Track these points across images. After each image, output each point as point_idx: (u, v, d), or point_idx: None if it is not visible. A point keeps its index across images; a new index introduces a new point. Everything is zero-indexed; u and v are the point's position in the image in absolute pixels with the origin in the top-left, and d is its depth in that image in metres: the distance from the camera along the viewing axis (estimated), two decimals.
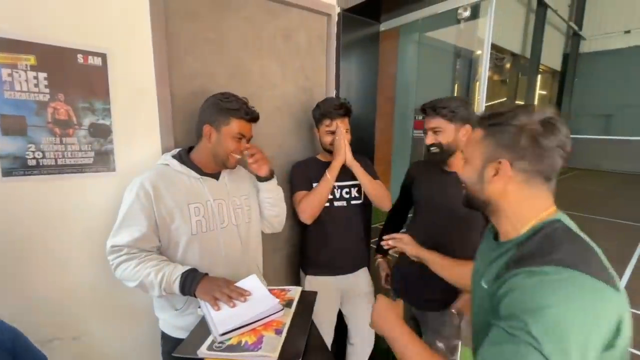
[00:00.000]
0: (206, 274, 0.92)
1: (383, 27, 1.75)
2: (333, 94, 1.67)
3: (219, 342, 0.73)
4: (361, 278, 1.51)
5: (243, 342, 0.73)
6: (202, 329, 0.80)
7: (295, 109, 1.58)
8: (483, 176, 0.64)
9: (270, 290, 0.96)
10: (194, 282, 0.88)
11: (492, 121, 0.63)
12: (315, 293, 0.97)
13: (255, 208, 1.20)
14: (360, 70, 1.76)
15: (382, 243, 1.16)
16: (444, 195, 1.23)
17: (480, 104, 1.39)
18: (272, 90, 1.49)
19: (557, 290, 0.47)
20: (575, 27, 10.65)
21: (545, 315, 0.46)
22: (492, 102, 10.51)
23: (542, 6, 8.99)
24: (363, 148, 1.81)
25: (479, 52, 8.48)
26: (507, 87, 10.16)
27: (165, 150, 1.18)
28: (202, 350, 0.71)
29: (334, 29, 1.61)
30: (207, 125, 1.03)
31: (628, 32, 10.31)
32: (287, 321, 0.81)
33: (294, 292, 0.96)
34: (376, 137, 2.14)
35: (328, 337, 1.46)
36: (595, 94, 11.15)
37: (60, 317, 1.06)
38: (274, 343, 0.72)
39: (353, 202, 1.43)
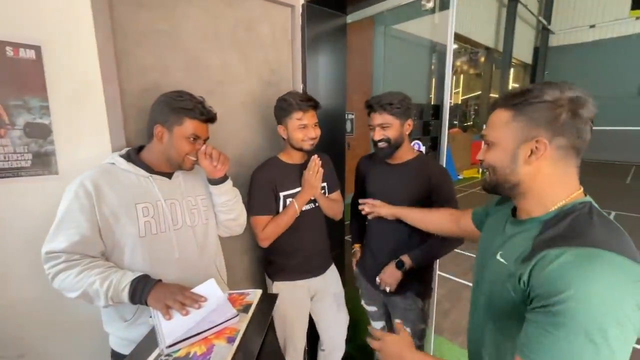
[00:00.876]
0: (159, 281, 0.86)
1: (350, 18, 1.72)
2: (300, 87, 1.62)
3: (166, 355, 0.68)
4: (330, 278, 1.47)
5: (192, 354, 0.68)
6: (150, 340, 0.75)
7: (261, 104, 1.53)
8: (517, 158, 0.62)
9: (229, 295, 0.92)
10: (145, 289, 0.82)
11: (519, 100, 0.61)
12: (275, 296, 0.93)
13: (210, 207, 1.14)
14: (328, 63, 1.72)
15: (360, 208, 1.32)
16: (392, 187, 1.32)
17: (445, 96, 1.38)
18: (235, 85, 1.43)
19: (599, 272, 0.48)
20: (545, 22, 11.03)
21: (588, 296, 0.47)
22: (468, 95, 10.77)
23: (513, 1, 9.22)
24: (333, 143, 1.78)
25: (454, 46, 8.58)
26: (482, 80, 10.41)
27: (115, 150, 1.10)
28: None
29: (299, 21, 1.56)
30: (158, 125, 0.96)
31: (593, 26, 10.77)
32: (242, 328, 0.76)
33: (253, 295, 0.91)
34: (355, 131, 2.11)
35: (300, 343, 1.43)
36: None
37: (1, 334, 0.97)
38: (223, 353, 0.67)
39: (318, 204, 1.38)
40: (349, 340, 1.68)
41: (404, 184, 1.29)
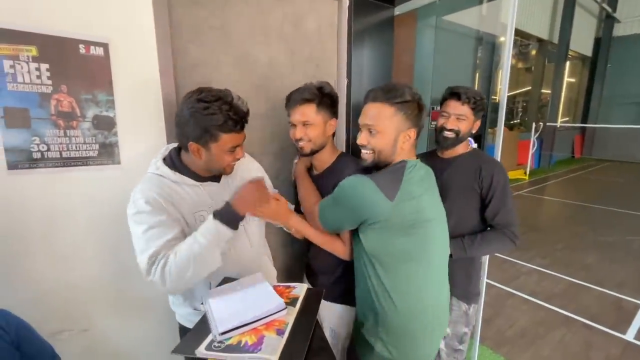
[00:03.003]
0: (227, 203, 0.89)
1: (398, 10, 1.66)
2: (344, 83, 1.60)
3: (219, 342, 0.70)
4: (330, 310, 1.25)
5: (243, 343, 0.69)
6: (202, 326, 0.77)
7: None
8: (396, 143, 0.95)
9: (274, 287, 0.92)
10: (228, 209, 0.87)
11: (398, 99, 0.92)
12: (321, 291, 0.92)
13: None
14: (373, 57, 1.68)
15: None
16: (445, 181, 1.23)
17: (503, 94, 1.29)
18: (280, 80, 1.44)
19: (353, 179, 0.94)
20: (609, 9, 9.98)
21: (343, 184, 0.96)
22: (515, 92, 10.08)
23: None
24: None
25: (502, 38, 8.09)
26: (533, 74, 9.68)
27: (170, 139, 1.15)
28: (201, 350, 0.68)
29: (345, 15, 1.54)
30: (192, 143, 0.88)
31: None
32: (290, 321, 0.76)
33: (300, 289, 0.91)
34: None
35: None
36: (630, 80, 10.44)
37: (67, 310, 1.07)
38: (274, 344, 0.68)
39: None
40: None
41: (454, 175, 1.25)
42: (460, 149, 1.28)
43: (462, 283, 1.26)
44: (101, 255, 1.08)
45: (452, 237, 1.12)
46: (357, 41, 1.58)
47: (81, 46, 0.97)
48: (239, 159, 0.98)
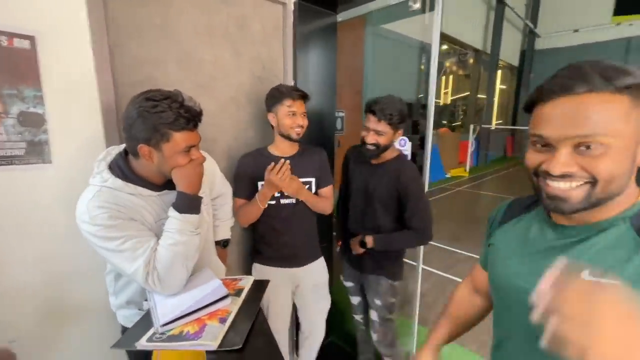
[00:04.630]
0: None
1: (340, 17, 1.76)
2: (291, 84, 1.66)
3: (160, 333, 0.72)
4: (314, 270, 1.52)
5: (185, 332, 0.72)
6: (145, 321, 0.78)
7: (252, 100, 1.56)
8: (635, 159, 0.47)
9: (222, 280, 0.95)
10: (185, 199, 0.87)
11: (633, 80, 0.44)
12: (267, 281, 0.97)
13: (209, 202, 1.17)
14: (318, 61, 1.77)
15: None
16: (371, 187, 1.43)
17: (430, 97, 1.45)
18: (226, 80, 1.46)
19: None
20: (531, 25, 11.29)
21: None
22: (457, 96, 10.97)
23: (501, 4, 9.42)
24: (322, 140, 1.83)
25: (444, 46, 8.72)
26: (470, 81, 10.61)
27: (109, 141, 1.12)
28: (142, 342, 0.69)
29: (290, 18, 1.60)
30: (142, 145, 0.82)
31: (577, 30, 11.08)
32: (234, 310, 0.81)
33: (246, 281, 0.96)
34: (345, 129, 2.17)
35: (284, 325, 1.49)
36: None
37: None
38: (215, 332, 0.71)
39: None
40: (331, 330, 1.74)
41: (378, 184, 1.40)
42: (387, 155, 1.41)
43: (388, 265, 1.48)
44: (31, 260, 1.02)
45: (376, 233, 1.41)
46: (301, 45, 1.65)
47: (3, 38, 0.91)
48: (198, 159, 0.90)
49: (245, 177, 1.38)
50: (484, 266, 0.78)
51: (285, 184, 1.27)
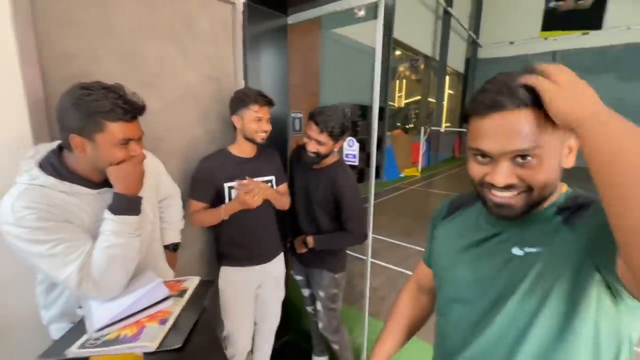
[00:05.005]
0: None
1: (290, 20, 1.79)
2: (242, 84, 1.66)
3: (95, 339, 0.69)
4: (277, 264, 1.57)
5: (122, 336, 0.70)
6: (77, 329, 0.75)
7: (201, 98, 1.53)
8: (560, 163, 0.52)
9: (165, 282, 0.93)
10: (116, 197, 0.83)
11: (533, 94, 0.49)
12: (212, 281, 0.97)
13: (155, 204, 1.14)
14: (269, 62, 1.78)
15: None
16: (309, 191, 1.50)
17: (375, 101, 1.53)
18: (173, 78, 1.42)
19: None
20: (474, 36, 12.24)
21: None
22: (410, 99, 11.56)
23: (447, 14, 10.10)
24: (275, 141, 1.84)
25: (397, 52, 9.12)
26: (422, 85, 11.23)
27: (38, 140, 1.04)
28: (72, 350, 0.66)
29: (240, 18, 1.60)
30: (74, 135, 0.77)
31: (512, 43, 12.24)
32: (176, 311, 0.80)
33: (190, 282, 0.95)
34: (303, 130, 2.21)
35: (247, 328, 1.50)
36: None
37: None
38: (154, 333, 0.71)
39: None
40: (289, 329, 1.76)
41: (317, 188, 1.48)
42: (327, 161, 1.49)
43: (329, 259, 1.57)
44: None
45: (317, 232, 1.51)
46: (252, 45, 1.65)
47: None
48: (137, 157, 0.86)
49: (206, 181, 1.35)
50: (427, 263, 0.80)
51: (257, 203, 1.29)
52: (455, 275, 0.65)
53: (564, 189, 0.59)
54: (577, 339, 0.50)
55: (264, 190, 1.32)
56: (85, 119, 0.76)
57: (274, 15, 1.73)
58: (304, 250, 1.53)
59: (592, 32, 10.62)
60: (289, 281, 1.77)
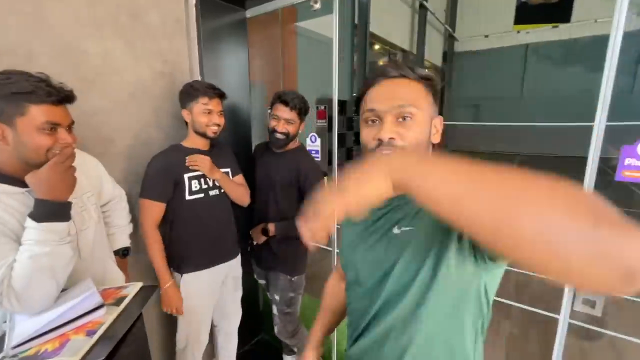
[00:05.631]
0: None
1: (249, 13, 1.74)
2: (199, 80, 1.60)
3: (12, 356, 0.65)
4: (236, 263, 1.54)
5: (42, 351, 0.66)
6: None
7: (153, 95, 1.47)
8: (429, 135, 0.62)
9: (104, 290, 0.89)
10: (45, 207, 0.75)
11: (424, 74, 0.61)
12: (155, 287, 0.93)
13: (96, 204, 1.08)
14: (228, 57, 1.73)
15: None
16: (271, 172, 1.51)
17: (334, 92, 1.51)
18: (120, 75, 1.35)
19: None
20: (450, 30, 12.40)
21: None
22: None
23: (423, 8, 10.17)
24: (238, 136, 1.80)
25: (376, 46, 9.11)
26: None
27: None
28: None
29: (193, 12, 1.54)
30: None
31: (487, 36, 12.48)
32: (109, 321, 0.76)
33: (131, 288, 0.90)
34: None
35: (205, 334, 1.47)
36: (466, 88, 13.34)
37: None
38: (78, 346, 0.66)
39: (223, 189, 1.42)
40: (261, 327, 1.73)
41: (280, 170, 1.48)
42: (289, 145, 1.50)
43: (287, 261, 1.56)
44: None
45: (278, 221, 1.47)
46: (208, 40, 1.59)
47: None
48: (68, 147, 0.81)
49: (163, 177, 1.28)
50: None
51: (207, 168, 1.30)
52: (355, 259, 0.69)
53: None
54: (441, 301, 0.56)
55: (207, 162, 1.31)
56: (3, 103, 0.72)
57: (230, 8, 1.67)
58: (263, 239, 1.50)
59: (561, 25, 10.96)
60: (250, 282, 1.75)
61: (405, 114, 0.59)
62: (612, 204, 0.30)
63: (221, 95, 1.34)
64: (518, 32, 11.74)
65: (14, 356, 0.65)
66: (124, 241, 1.26)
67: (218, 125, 1.33)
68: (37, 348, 0.67)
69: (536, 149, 11.31)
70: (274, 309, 1.64)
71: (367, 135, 0.63)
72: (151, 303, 1.48)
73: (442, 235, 0.54)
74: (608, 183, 1.52)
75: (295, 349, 1.72)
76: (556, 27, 11.09)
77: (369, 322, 0.64)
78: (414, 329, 0.58)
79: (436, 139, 0.64)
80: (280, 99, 1.41)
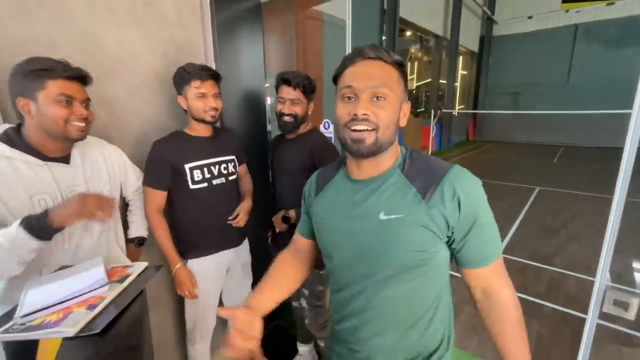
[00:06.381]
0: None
1: None
2: (213, 67, 1.61)
3: (20, 324, 0.69)
4: (244, 249, 1.54)
5: (46, 321, 0.70)
6: (6, 315, 0.75)
7: (167, 82, 1.49)
8: (400, 116, 0.69)
9: (111, 269, 0.93)
10: (41, 217, 0.78)
11: (397, 59, 0.67)
12: (158, 267, 0.95)
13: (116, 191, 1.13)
14: (244, 44, 1.72)
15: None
16: (283, 159, 1.49)
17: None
18: (135, 63, 1.39)
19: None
20: (489, 12, 11.60)
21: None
22: (421, 82, 11.20)
23: None
24: (253, 123, 1.80)
25: (408, 33, 8.77)
26: (432, 67, 10.83)
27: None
28: None
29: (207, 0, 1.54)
30: (19, 98, 0.85)
31: (531, 17, 11.55)
32: (110, 296, 0.79)
33: (136, 267, 0.94)
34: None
35: (212, 319, 1.49)
36: (505, 74, 12.45)
37: None
38: (78, 318, 0.70)
39: (230, 177, 1.42)
40: (277, 315, 1.75)
41: (295, 155, 1.43)
42: (301, 129, 1.45)
43: None
44: None
45: (299, 207, 1.32)
46: (223, 27, 1.59)
47: None
48: (84, 119, 0.91)
49: (162, 163, 1.26)
50: (301, 233, 0.89)
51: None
52: (333, 225, 0.74)
53: (400, 149, 0.73)
54: (421, 282, 0.68)
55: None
56: (27, 80, 0.84)
57: None
58: (284, 227, 1.44)
59: (618, 2, 9.86)
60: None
61: (379, 94, 0.64)
62: None
63: (215, 77, 1.28)
64: (567, 11, 10.74)
65: (22, 324, 0.69)
66: (141, 231, 1.29)
67: (215, 109, 1.28)
68: (42, 318, 0.71)
69: (583, 140, 10.41)
70: (304, 303, 1.59)
71: (343, 110, 0.67)
72: (160, 283, 1.54)
73: (431, 228, 0.64)
74: None
75: (323, 343, 1.68)
76: (612, 3, 10.00)
77: (353, 305, 0.73)
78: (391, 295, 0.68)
79: (403, 122, 0.70)
80: (282, 78, 1.38)
